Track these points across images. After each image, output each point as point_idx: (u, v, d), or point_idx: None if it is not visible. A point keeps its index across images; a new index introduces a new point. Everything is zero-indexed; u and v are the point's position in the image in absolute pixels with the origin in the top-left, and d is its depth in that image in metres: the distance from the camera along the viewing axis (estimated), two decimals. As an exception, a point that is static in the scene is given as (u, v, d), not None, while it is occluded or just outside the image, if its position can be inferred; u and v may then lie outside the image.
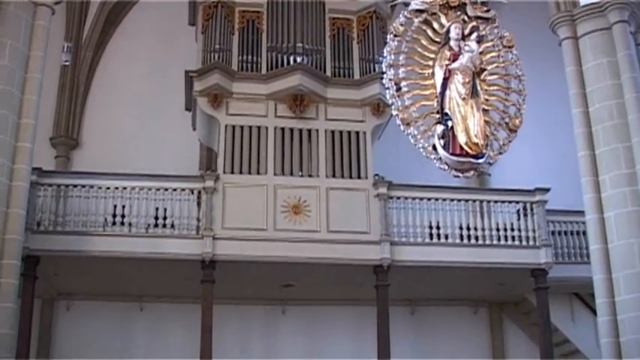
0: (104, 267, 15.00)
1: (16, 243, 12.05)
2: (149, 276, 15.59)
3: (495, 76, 7.77)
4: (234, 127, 15.65)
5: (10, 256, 11.89)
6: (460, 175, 7.32)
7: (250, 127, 15.68)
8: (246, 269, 15.08)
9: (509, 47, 7.90)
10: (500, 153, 7.47)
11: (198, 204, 15.00)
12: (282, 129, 15.74)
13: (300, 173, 15.57)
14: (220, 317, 15.25)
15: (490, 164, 7.35)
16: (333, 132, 15.86)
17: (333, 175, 15.50)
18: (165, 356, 16.65)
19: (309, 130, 15.83)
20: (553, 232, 16.26)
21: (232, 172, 15.27)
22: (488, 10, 7.89)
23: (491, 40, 7.84)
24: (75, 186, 14.87)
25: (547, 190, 15.88)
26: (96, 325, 16.73)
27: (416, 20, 7.66)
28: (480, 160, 7.22)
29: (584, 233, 15.41)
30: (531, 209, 15.87)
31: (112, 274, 15.48)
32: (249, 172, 15.33)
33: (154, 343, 16.81)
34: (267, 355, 17.05)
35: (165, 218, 14.85)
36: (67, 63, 17.21)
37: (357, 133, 15.93)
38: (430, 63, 7.61)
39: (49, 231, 14.42)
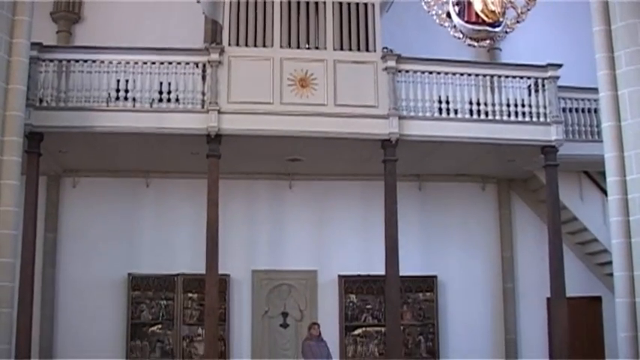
0: (109, 143, 14.88)
1: (17, 119, 11.89)
2: (155, 151, 15.49)
3: (514, -61, 7.38)
4: (239, -3, 15.21)
5: (12, 133, 11.75)
6: (475, 44, 7.05)
7: (256, -1, 15.25)
8: (252, 143, 14.92)
9: None
10: (518, 22, 7.17)
11: (203, 78, 14.71)
12: (289, 0, 15.28)
13: (307, 46, 15.17)
14: (227, 192, 15.29)
15: (507, 33, 7.00)
16: (340, 3, 15.34)
17: (341, 48, 15.08)
18: (172, 231, 16.78)
19: (317, 2, 15.32)
20: (564, 109, 16.01)
21: (238, 45, 14.88)
22: None
23: None
24: (77, 61, 14.51)
25: (559, 65, 15.49)
26: (102, 202, 16.82)
27: None
28: (497, 29, 6.94)
29: (596, 111, 15.27)
30: (543, 85, 15.56)
31: (118, 150, 15.40)
32: (255, 45, 14.93)
33: (161, 218, 16.93)
34: (273, 229, 17.12)
35: (169, 92, 14.58)
36: None
37: (365, 4, 15.40)
38: None
39: (52, 107, 14.19)
